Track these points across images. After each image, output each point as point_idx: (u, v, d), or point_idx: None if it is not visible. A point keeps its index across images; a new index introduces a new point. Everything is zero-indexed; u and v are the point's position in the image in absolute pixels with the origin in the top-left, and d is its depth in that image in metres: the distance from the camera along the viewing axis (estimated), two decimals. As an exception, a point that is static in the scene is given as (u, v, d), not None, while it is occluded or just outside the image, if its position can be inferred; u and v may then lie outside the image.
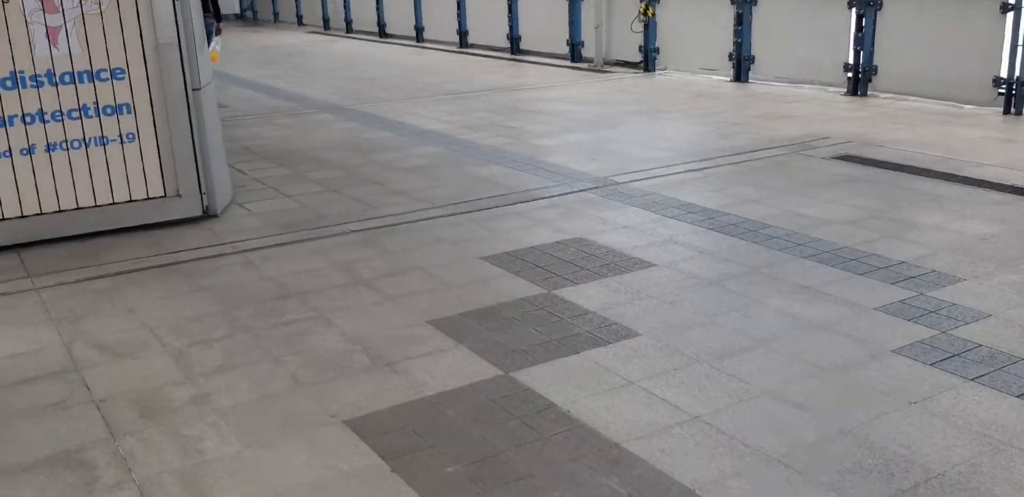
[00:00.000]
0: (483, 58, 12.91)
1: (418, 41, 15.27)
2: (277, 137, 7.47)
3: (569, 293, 3.82)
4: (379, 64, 12.61)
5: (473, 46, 14.06)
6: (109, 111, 4.80)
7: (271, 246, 4.59)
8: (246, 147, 7.05)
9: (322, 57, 13.78)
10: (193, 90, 4.97)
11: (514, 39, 13.12)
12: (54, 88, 4.65)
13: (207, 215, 5.08)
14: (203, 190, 5.07)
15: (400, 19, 15.79)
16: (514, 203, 5.26)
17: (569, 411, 2.83)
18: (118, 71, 4.78)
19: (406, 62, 12.80)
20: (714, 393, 2.91)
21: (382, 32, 16.38)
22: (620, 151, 6.56)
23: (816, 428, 2.69)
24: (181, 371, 3.19)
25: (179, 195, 5.01)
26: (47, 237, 4.72)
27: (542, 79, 10.62)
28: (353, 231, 4.82)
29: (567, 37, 12.04)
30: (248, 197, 5.55)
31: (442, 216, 5.05)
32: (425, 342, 3.37)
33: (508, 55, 13.03)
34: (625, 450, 2.58)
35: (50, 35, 4.61)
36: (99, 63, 4.73)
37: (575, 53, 12.02)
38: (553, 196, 5.38)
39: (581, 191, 5.47)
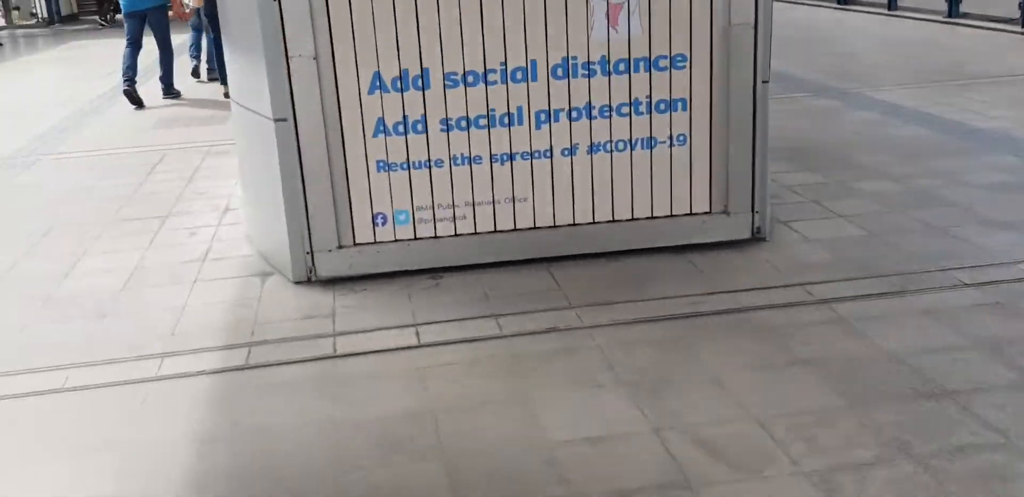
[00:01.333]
0: (986, 31, 10.67)
1: (889, 8, 13.22)
2: (783, 129, 6.30)
3: None
4: (854, 35, 10.95)
5: (967, 16, 11.77)
6: (662, 107, 3.96)
7: (861, 297, 3.47)
8: (751, 140, 6.01)
9: (782, 26, 12.30)
10: (762, 82, 3.99)
11: (1030, 6, 10.68)
12: (606, 78, 3.89)
13: (755, 238, 4.11)
14: (755, 207, 4.09)
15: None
16: None
17: None
18: (679, 58, 3.91)
19: (887, 34, 10.99)
20: None
21: (842, -3, 14.52)
22: None
23: None
24: (843, 521, 2.21)
25: (726, 212, 4.08)
26: (576, 252, 4.05)
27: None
28: (967, 284, 3.54)
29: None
30: (790, 213, 4.49)
31: (1096, 272, 3.59)
32: None
33: (1020, 28, 10.64)
34: None
35: (610, 14, 3.84)
36: (659, 48, 3.89)
37: None
38: None
39: None
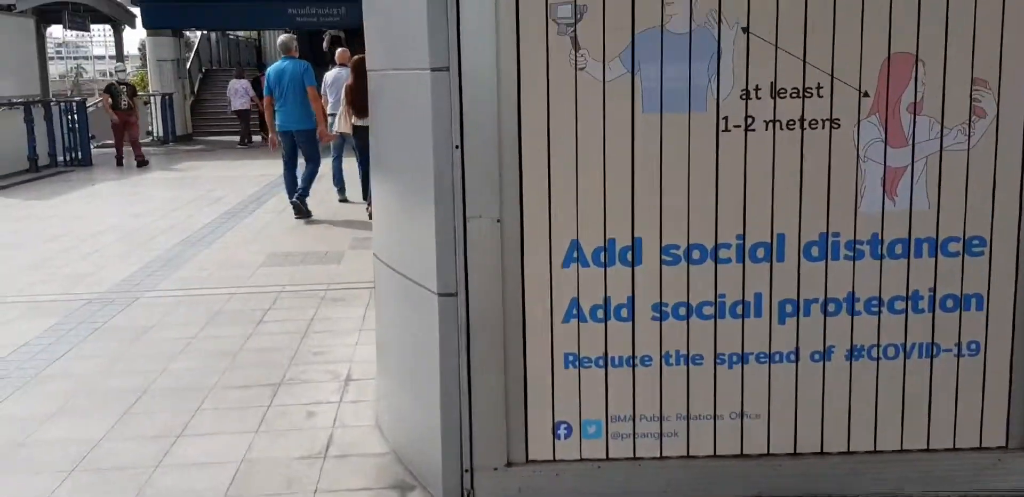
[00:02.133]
0: None
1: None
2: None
3: None
4: None
5: None
6: (950, 304, 2.99)
7: None
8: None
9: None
10: (1083, 278, 3.02)
11: None
12: (877, 262, 2.96)
13: (1067, 486, 3.03)
14: (1071, 444, 3.03)
15: None
16: None
17: None
18: (975, 241, 2.97)
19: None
20: None
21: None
22: None
23: None
24: None
25: (1031, 449, 3.04)
26: (823, 492, 3.00)
27: None
28: None
29: None
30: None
31: None
32: None
33: None
34: None
35: (888, 181, 2.95)
36: (950, 228, 2.96)
37: None
38: None
39: None
